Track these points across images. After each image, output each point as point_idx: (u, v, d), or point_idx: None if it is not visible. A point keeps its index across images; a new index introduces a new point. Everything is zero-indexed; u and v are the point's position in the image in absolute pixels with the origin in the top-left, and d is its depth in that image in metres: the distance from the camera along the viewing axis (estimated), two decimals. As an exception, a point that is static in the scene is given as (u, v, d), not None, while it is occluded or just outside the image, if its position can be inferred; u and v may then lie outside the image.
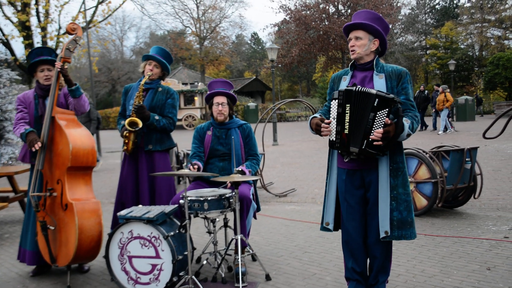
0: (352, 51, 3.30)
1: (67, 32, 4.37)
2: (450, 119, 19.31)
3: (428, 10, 54.12)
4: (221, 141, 4.46)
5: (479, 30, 45.97)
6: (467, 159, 5.86)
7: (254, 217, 4.44)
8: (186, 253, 3.73)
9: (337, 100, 3.16)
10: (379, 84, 3.20)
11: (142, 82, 4.45)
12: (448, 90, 18.56)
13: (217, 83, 4.60)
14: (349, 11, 41.16)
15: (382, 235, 3.20)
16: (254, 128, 5.32)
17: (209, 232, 4.13)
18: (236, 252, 3.89)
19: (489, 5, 45.87)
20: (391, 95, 3.04)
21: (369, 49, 3.27)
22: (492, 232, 5.10)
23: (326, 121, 3.22)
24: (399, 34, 50.71)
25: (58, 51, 4.24)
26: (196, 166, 4.21)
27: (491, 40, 46.35)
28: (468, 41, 48.68)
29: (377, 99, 3.02)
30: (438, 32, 48.75)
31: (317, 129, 3.29)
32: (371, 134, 3.05)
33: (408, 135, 3.11)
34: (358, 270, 3.41)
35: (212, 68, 52.21)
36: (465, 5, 50.28)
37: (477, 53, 48.33)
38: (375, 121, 3.04)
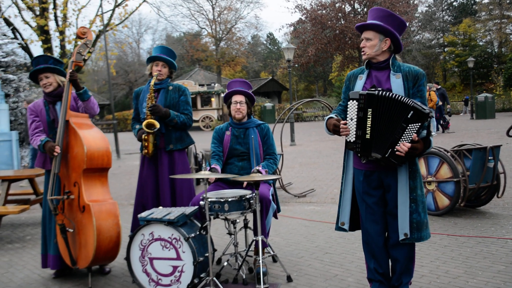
0: (362, 52, 3.29)
1: (78, 37, 4.41)
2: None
3: (445, 7, 53.56)
4: (240, 141, 4.45)
5: (498, 26, 45.39)
6: (489, 158, 5.76)
7: (275, 217, 4.41)
8: (207, 254, 3.72)
9: (357, 102, 3.11)
10: (396, 84, 3.15)
11: (152, 83, 4.46)
12: (434, 88, 17.00)
13: (235, 83, 4.60)
14: (365, 9, 40.93)
15: (401, 237, 3.19)
16: (272, 128, 5.30)
17: (230, 233, 4.11)
18: (256, 253, 3.87)
19: (508, 1, 45.20)
20: (427, 110, 2.97)
21: (381, 49, 3.21)
22: (517, 231, 5.00)
23: (343, 122, 3.18)
24: (416, 32, 50.25)
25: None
26: (215, 172, 4.21)
27: (511, 36, 45.69)
28: (487, 37, 48.10)
29: (412, 111, 2.96)
30: (456, 29, 48.22)
31: (334, 130, 3.26)
32: (398, 144, 3.02)
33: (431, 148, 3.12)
34: (380, 271, 3.39)
35: (228, 69, 52.31)
36: (483, 1, 49.67)
37: (496, 50, 47.72)
38: (405, 133, 3.00)
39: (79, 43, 4.43)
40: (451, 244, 4.71)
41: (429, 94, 16.00)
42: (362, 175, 3.31)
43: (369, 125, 3.08)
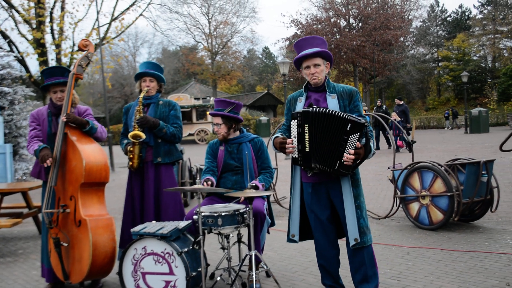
0: (313, 78, 3.52)
1: (79, 49, 4.42)
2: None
3: (439, 22, 54.06)
4: (233, 156, 4.46)
5: (491, 41, 45.82)
6: (483, 172, 5.78)
7: (268, 232, 4.40)
8: (200, 269, 3.70)
9: (296, 120, 3.42)
10: (332, 104, 3.46)
11: (141, 96, 4.48)
12: (366, 108, 15.43)
13: (216, 103, 4.59)
14: (360, 24, 41.30)
15: (352, 242, 3.40)
16: (266, 142, 5.30)
17: (223, 248, 4.09)
18: (250, 268, 3.85)
19: (501, 16, 45.73)
20: (362, 120, 3.26)
21: (324, 74, 3.56)
22: (510, 246, 5.00)
23: (289, 140, 3.45)
24: (411, 47, 50.67)
25: (72, 68, 4.27)
26: (209, 182, 4.20)
27: (504, 51, 46.13)
28: (481, 52, 48.50)
29: (350, 124, 3.24)
30: (450, 44, 48.62)
31: (281, 148, 3.53)
32: (343, 156, 3.27)
33: (373, 154, 3.39)
34: (332, 279, 3.66)
35: (224, 83, 52.49)
36: (477, 17, 50.25)
37: (490, 65, 48.10)
38: (348, 144, 3.27)
39: (75, 56, 4.44)
40: (444, 258, 4.71)
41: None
42: (310, 187, 3.56)
43: (307, 139, 3.38)
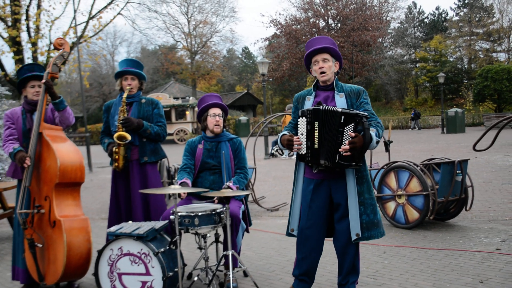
0: (322, 73, 3.58)
1: (55, 48, 4.36)
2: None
3: (417, 24, 54.73)
4: (211, 154, 4.44)
5: (467, 43, 46.54)
6: (458, 171, 5.87)
7: (247, 231, 4.40)
8: (176, 269, 3.69)
9: (305, 118, 3.47)
10: (340, 102, 3.54)
11: (124, 96, 4.44)
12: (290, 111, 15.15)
13: (211, 97, 4.59)
14: (339, 25, 41.60)
15: (353, 237, 3.50)
16: (245, 142, 5.31)
17: (200, 248, 4.08)
18: (227, 268, 3.85)
19: (476, 19, 46.52)
20: (355, 111, 3.35)
21: (333, 71, 3.62)
22: (484, 244, 5.09)
23: (296, 137, 3.51)
24: (389, 48, 51.23)
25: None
26: (185, 193, 4.24)
27: (480, 53, 46.91)
28: (457, 54, 49.25)
29: (343, 116, 3.33)
30: (427, 45, 49.26)
31: (288, 145, 3.58)
32: (340, 147, 3.34)
33: (377, 142, 3.43)
34: (305, 270, 3.69)
35: (203, 83, 52.29)
36: (453, 19, 51.01)
37: (466, 66, 48.85)
38: (343, 135, 3.35)
39: (52, 54, 4.39)
40: (420, 257, 4.77)
41: (285, 117, 14.79)
42: (313, 184, 3.61)
43: (316, 136, 3.45)
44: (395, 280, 4.15)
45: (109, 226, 4.51)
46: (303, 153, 3.51)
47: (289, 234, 3.78)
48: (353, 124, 3.33)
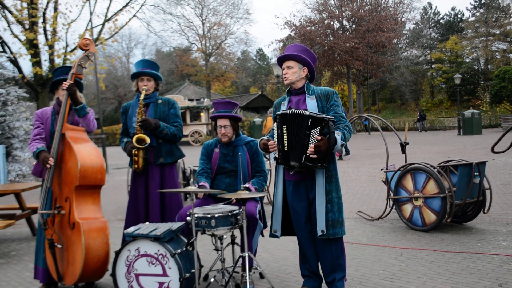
0: (284, 78, 3.84)
1: (80, 48, 4.41)
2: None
3: (432, 25, 54.32)
4: (228, 159, 4.45)
5: (484, 43, 46.05)
6: (475, 174, 5.81)
7: (262, 234, 4.40)
8: (193, 270, 3.70)
9: (276, 123, 3.70)
10: (311, 104, 3.73)
11: (141, 97, 4.45)
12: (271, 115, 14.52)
13: (220, 105, 4.57)
14: (353, 26, 41.40)
15: (319, 233, 3.64)
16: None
17: (216, 249, 4.09)
18: (243, 270, 3.85)
19: (493, 19, 45.99)
20: (322, 115, 3.53)
21: (300, 76, 3.82)
22: (502, 247, 5.03)
23: (271, 141, 3.77)
24: (404, 49, 50.86)
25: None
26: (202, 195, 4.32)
27: (497, 53, 46.39)
28: (473, 54, 48.74)
29: (310, 119, 3.51)
30: (443, 46, 48.85)
31: (264, 148, 3.85)
32: (308, 149, 3.52)
33: (342, 145, 3.59)
34: (311, 270, 3.89)
35: (218, 84, 52.44)
36: (469, 19, 50.46)
37: (482, 67, 48.34)
38: (310, 138, 3.53)
39: (68, 57, 4.43)
40: (437, 259, 4.73)
41: (266, 120, 14.38)
42: (292, 185, 3.82)
43: (286, 139, 3.64)
44: (413, 283, 4.11)
45: (126, 226, 4.54)
46: (276, 156, 3.74)
47: (272, 235, 3.96)
48: (319, 127, 3.52)
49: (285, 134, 3.64)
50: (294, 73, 3.81)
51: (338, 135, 3.56)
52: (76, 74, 4.25)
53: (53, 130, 4.36)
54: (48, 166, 4.07)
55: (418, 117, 35.99)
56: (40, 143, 4.29)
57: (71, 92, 4.19)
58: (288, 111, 3.63)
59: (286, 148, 3.65)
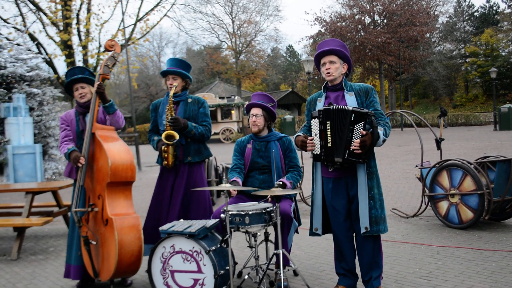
0: (328, 73, 3.74)
1: (105, 49, 4.47)
2: None
3: (466, 18, 53.09)
4: (261, 154, 4.45)
5: (520, 36, 44.74)
6: (514, 170, 5.65)
7: (296, 231, 4.38)
8: (227, 267, 3.71)
9: (317, 119, 3.64)
10: (351, 100, 3.68)
11: (171, 94, 4.48)
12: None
13: (255, 96, 4.62)
14: (385, 21, 40.85)
15: (362, 230, 3.61)
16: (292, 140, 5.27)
17: (250, 247, 4.09)
18: (277, 267, 3.84)
19: (531, 11, 44.62)
20: (365, 110, 3.52)
21: (341, 72, 3.76)
22: (544, 245, 4.89)
23: (310, 138, 3.69)
24: (437, 43, 49.91)
25: (99, 68, 4.34)
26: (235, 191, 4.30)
27: (534, 46, 45.02)
28: (510, 47, 47.41)
29: (353, 114, 3.49)
30: (478, 39, 47.70)
31: (302, 145, 3.76)
32: (351, 145, 3.50)
33: (384, 141, 3.57)
34: (347, 268, 3.85)
35: (248, 82, 52.53)
36: (505, 11, 49.12)
37: (519, 60, 47.00)
38: (354, 133, 3.51)
39: (102, 57, 4.49)
40: (475, 258, 4.62)
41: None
42: (331, 182, 3.76)
43: (329, 135, 3.60)
44: (450, 281, 4.03)
45: (147, 220, 4.60)
46: (318, 153, 3.67)
47: (312, 233, 3.92)
48: (362, 122, 3.49)
49: (329, 130, 3.58)
50: (337, 68, 3.73)
51: (380, 130, 3.54)
52: (103, 74, 4.31)
53: (79, 130, 4.45)
54: (79, 165, 4.15)
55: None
56: (70, 143, 4.38)
57: (100, 91, 4.26)
58: (331, 107, 3.57)
59: (330, 144, 3.59)
